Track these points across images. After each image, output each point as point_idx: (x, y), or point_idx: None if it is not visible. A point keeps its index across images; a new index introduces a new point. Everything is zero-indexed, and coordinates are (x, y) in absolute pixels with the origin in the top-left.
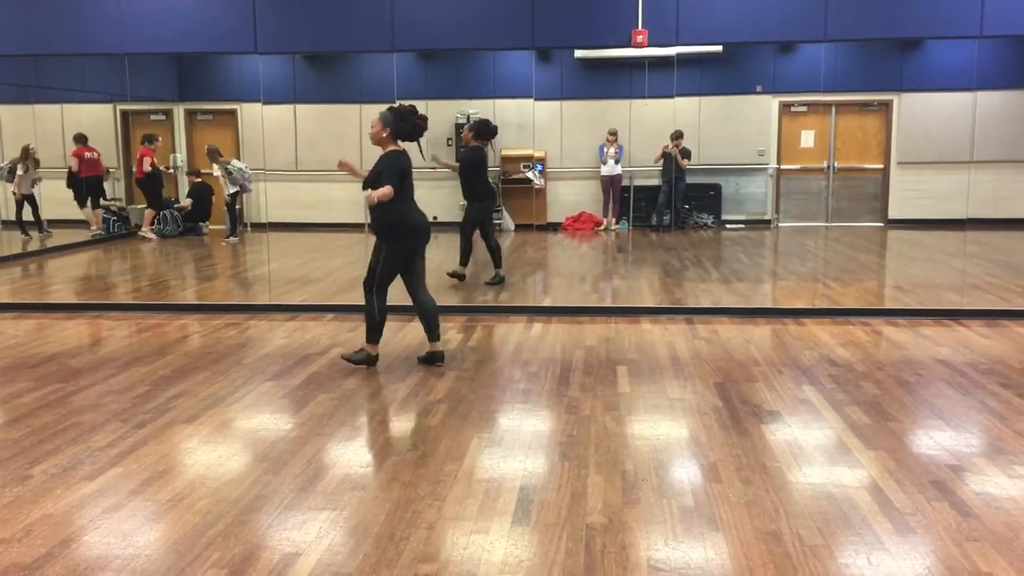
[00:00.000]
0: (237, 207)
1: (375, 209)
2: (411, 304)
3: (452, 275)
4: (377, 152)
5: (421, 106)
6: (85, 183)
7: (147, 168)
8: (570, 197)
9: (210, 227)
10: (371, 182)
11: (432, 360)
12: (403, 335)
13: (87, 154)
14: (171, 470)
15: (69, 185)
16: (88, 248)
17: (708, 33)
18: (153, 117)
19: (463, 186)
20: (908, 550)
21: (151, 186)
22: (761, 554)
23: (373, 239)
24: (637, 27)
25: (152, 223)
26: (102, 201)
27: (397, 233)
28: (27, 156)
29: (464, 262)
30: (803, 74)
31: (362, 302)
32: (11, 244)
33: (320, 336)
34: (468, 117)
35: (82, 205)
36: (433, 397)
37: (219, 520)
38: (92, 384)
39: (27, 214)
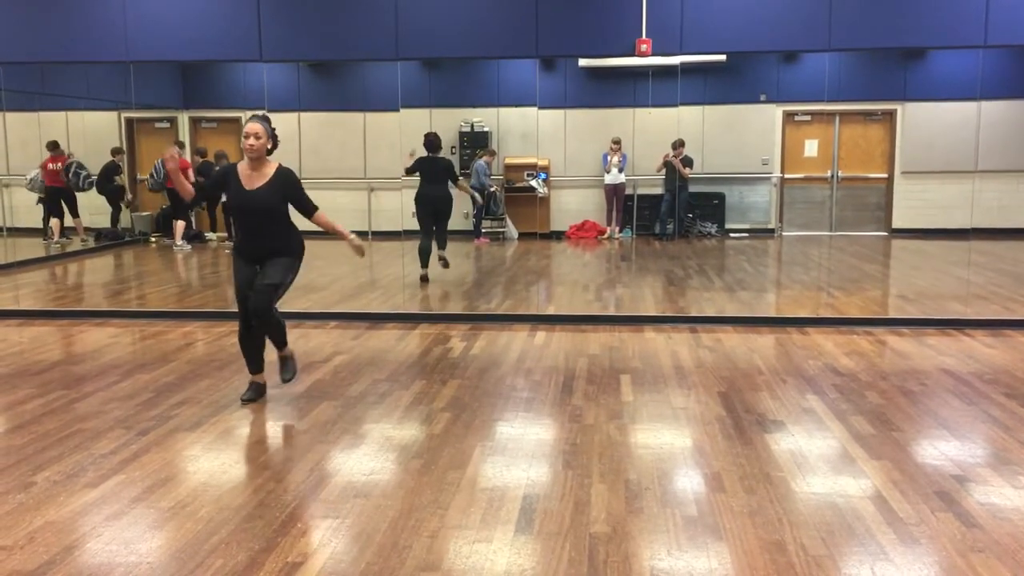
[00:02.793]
0: None
1: (282, 233)
2: (413, 312)
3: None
4: (380, 162)
5: (425, 114)
6: (50, 193)
7: (191, 179)
8: (574, 206)
9: (217, 235)
10: (283, 203)
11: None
12: (406, 343)
13: (50, 165)
14: (174, 477)
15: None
16: (92, 255)
17: (712, 42)
18: (158, 125)
19: None
20: (912, 561)
21: (177, 197)
22: (765, 564)
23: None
24: (641, 36)
25: (183, 234)
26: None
27: (302, 247)
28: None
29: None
30: (807, 83)
31: (366, 310)
32: (15, 251)
33: (324, 344)
34: (472, 126)
35: (56, 215)
36: (436, 405)
37: (222, 528)
38: (95, 391)
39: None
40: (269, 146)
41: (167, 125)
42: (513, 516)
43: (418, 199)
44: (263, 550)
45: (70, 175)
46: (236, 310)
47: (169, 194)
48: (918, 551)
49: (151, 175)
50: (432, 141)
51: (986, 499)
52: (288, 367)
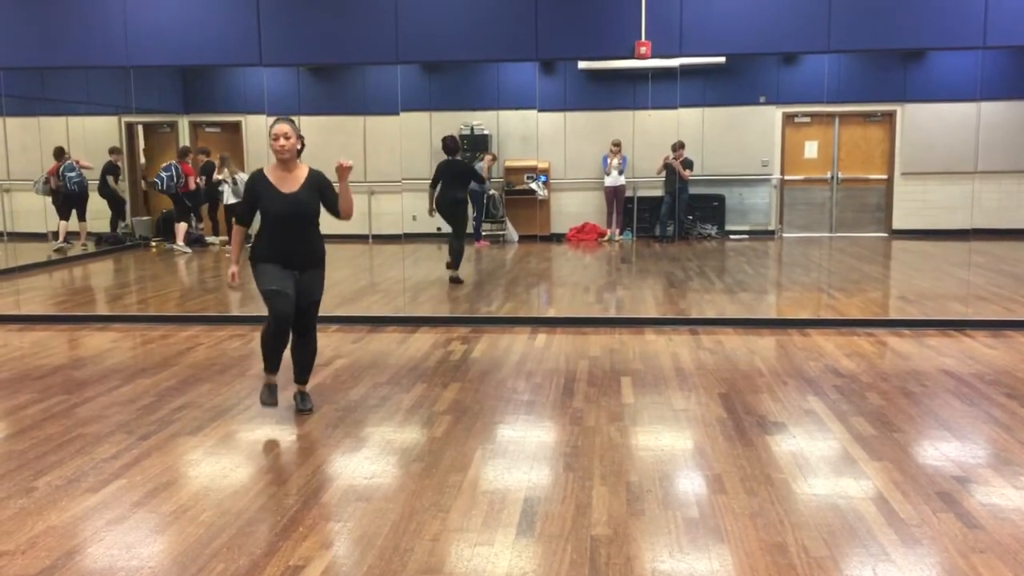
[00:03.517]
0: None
1: (316, 238)
2: (412, 315)
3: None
4: (380, 165)
5: (425, 117)
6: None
7: (192, 186)
8: (574, 208)
9: (220, 239)
10: (315, 201)
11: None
12: (406, 347)
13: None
14: (175, 482)
15: (54, 202)
16: (93, 260)
17: (711, 44)
18: (160, 130)
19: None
20: (914, 562)
21: (191, 201)
22: (766, 566)
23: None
24: (640, 38)
25: (185, 237)
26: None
27: (325, 252)
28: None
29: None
30: (806, 85)
31: (366, 313)
32: (16, 256)
33: (324, 347)
34: (472, 129)
35: (63, 218)
36: (437, 408)
37: (223, 532)
38: (97, 396)
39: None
40: (298, 147)
41: (168, 130)
42: (514, 519)
43: (436, 203)
44: (265, 554)
45: (59, 178)
46: (236, 314)
47: (173, 197)
48: (919, 552)
49: (166, 178)
50: (448, 145)
51: (987, 500)
52: (308, 399)
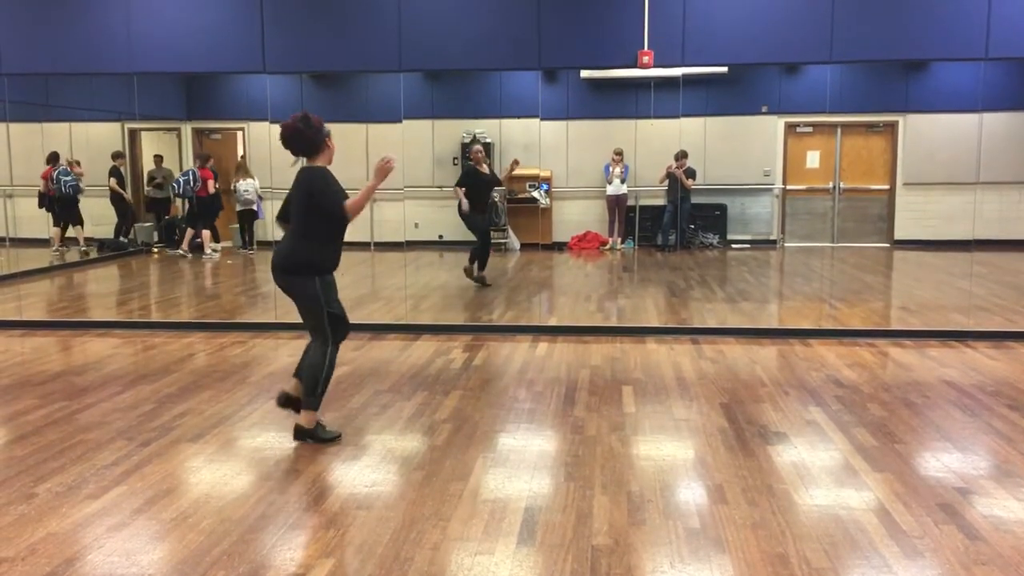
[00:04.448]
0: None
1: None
2: (413, 323)
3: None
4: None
5: (427, 125)
6: (48, 202)
7: (211, 190)
8: (576, 217)
9: (219, 246)
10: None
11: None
12: (407, 355)
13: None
14: (176, 489)
15: (40, 205)
16: (94, 266)
17: (714, 54)
18: (163, 136)
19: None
20: (915, 573)
21: (209, 206)
22: None
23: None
24: (643, 48)
25: (190, 241)
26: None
27: None
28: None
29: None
30: (809, 95)
31: (368, 321)
32: (18, 261)
33: None
34: (474, 137)
35: (55, 224)
36: (438, 416)
37: (223, 539)
38: (97, 402)
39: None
40: None
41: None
42: (515, 528)
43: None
44: (265, 562)
45: (53, 182)
46: (237, 321)
47: (197, 201)
48: (921, 564)
49: (183, 183)
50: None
51: (989, 511)
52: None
